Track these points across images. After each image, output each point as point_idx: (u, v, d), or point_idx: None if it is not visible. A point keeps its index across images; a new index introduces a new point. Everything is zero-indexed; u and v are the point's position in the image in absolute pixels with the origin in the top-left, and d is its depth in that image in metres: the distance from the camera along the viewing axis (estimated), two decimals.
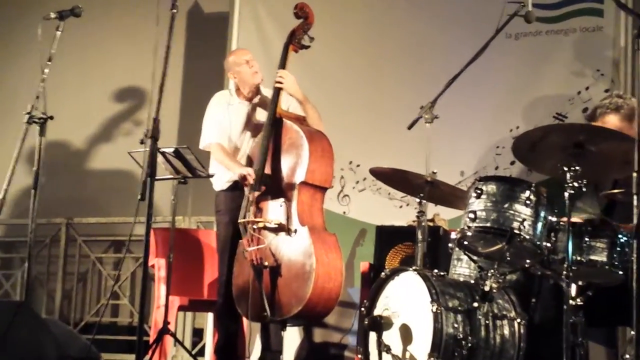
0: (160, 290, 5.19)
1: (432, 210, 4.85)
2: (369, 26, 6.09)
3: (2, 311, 3.67)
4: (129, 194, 6.52)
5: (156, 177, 3.64)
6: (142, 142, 3.70)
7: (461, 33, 5.63)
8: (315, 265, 4.45)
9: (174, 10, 3.86)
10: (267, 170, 4.75)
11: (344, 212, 5.89)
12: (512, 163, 5.40)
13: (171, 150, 4.76)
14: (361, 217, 5.85)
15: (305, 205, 4.67)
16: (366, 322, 3.87)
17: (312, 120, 4.91)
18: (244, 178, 4.72)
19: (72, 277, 7.04)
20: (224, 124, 5.02)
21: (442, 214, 5.14)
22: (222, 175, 4.98)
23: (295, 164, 4.70)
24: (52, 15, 4.30)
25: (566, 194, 3.64)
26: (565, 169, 3.64)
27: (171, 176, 4.89)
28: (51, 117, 4.21)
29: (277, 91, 4.87)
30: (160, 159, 4.63)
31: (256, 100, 5.06)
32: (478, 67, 4.50)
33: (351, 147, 5.78)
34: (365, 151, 5.85)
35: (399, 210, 5.70)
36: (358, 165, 5.89)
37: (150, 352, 4.73)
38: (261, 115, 5.00)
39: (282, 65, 4.93)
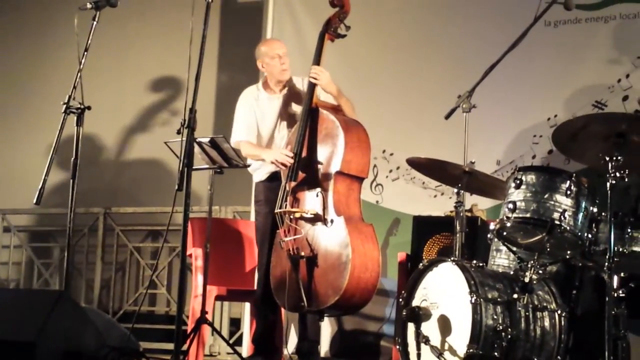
0: (197, 279, 5.20)
1: (470, 200, 4.82)
2: (404, 14, 6.04)
3: (43, 300, 3.69)
4: (165, 184, 6.56)
5: (193, 167, 3.65)
6: (178, 132, 3.71)
7: (499, 21, 5.58)
8: (352, 256, 4.43)
9: (210, 0, 3.86)
10: (303, 160, 4.73)
11: (377, 202, 5.87)
12: (550, 152, 5.34)
13: (207, 140, 4.75)
14: (394, 206, 5.82)
15: (341, 196, 4.65)
16: (404, 313, 3.85)
17: (346, 113, 4.88)
18: (281, 163, 4.70)
19: (110, 267, 7.10)
20: (251, 121, 5.01)
21: (480, 204, 5.10)
22: (260, 169, 5.00)
23: (331, 154, 4.68)
24: (88, 5, 4.29)
25: (608, 185, 3.59)
26: (607, 158, 3.59)
27: (207, 166, 4.89)
28: (88, 108, 4.20)
29: (313, 85, 4.85)
30: (196, 149, 4.61)
31: (285, 91, 5.04)
32: (516, 54, 4.44)
33: (384, 136, 5.71)
34: (398, 140, 5.82)
35: (433, 200, 5.66)
36: (391, 154, 5.86)
37: (188, 341, 4.75)
38: (293, 106, 4.98)
39: (317, 60, 4.87)
